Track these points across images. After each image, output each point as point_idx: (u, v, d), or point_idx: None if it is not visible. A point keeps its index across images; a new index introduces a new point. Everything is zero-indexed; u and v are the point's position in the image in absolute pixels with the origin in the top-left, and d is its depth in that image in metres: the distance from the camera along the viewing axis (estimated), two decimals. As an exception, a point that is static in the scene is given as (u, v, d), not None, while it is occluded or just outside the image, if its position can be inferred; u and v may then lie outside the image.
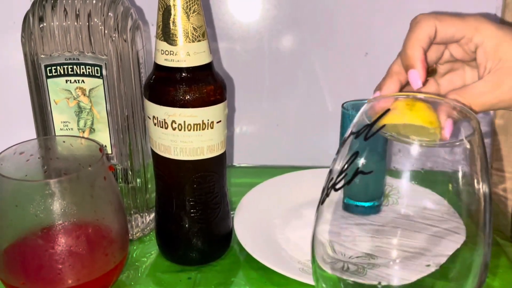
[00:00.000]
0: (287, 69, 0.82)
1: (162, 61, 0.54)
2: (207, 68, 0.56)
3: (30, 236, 0.50)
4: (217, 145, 0.58)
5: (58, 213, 0.49)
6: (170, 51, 0.54)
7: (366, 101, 0.55)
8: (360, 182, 0.59)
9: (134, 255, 0.64)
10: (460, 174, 0.39)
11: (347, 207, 0.60)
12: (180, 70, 0.54)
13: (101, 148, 0.54)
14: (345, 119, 0.63)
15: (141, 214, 0.66)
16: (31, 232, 0.50)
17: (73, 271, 0.50)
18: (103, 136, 0.62)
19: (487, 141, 0.86)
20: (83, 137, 0.58)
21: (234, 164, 0.88)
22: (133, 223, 0.66)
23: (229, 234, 0.64)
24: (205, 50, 0.55)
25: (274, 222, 0.68)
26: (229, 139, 0.86)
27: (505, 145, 0.85)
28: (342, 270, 0.45)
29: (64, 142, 0.57)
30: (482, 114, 0.82)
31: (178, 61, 0.54)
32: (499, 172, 0.85)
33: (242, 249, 0.62)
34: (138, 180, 0.64)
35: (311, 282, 0.56)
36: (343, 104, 0.66)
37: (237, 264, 0.63)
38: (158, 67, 0.55)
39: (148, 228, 0.67)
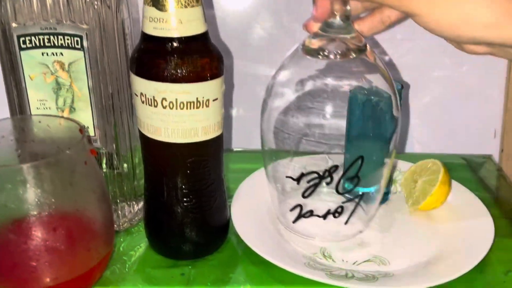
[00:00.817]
0: (291, 41, 0.75)
1: (151, 29, 0.48)
2: (202, 38, 0.49)
3: (0, 230, 0.43)
4: (213, 126, 0.51)
5: (32, 203, 0.43)
6: (160, 18, 0.47)
7: (374, 86, 0.53)
8: (365, 165, 0.55)
9: (121, 248, 0.58)
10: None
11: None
12: (171, 40, 0.48)
13: (82, 129, 0.48)
14: (353, 104, 0.58)
15: (128, 203, 0.60)
16: (1, 225, 0.44)
17: (51, 269, 0.44)
18: (85, 116, 0.55)
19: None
20: (62, 117, 0.51)
21: (231, 148, 0.82)
22: (119, 212, 0.60)
23: (226, 224, 0.58)
24: (200, 18, 0.48)
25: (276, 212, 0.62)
26: (226, 121, 0.79)
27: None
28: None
29: (40, 122, 0.50)
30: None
31: (168, 29, 0.47)
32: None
33: (240, 241, 0.56)
34: (125, 165, 0.58)
35: (319, 278, 0.50)
36: (351, 90, 0.60)
37: (235, 258, 0.57)
38: (146, 37, 0.49)
39: (136, 218, 0.61)
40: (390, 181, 0.66)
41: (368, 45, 0.52)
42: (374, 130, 0.57)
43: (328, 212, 0.55)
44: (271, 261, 0.52)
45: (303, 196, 0.54)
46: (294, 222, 0.56)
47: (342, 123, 0.55)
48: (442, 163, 0.63)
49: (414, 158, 0.69)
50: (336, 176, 0.53)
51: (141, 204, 0.61)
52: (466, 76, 0.78)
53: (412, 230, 0.60)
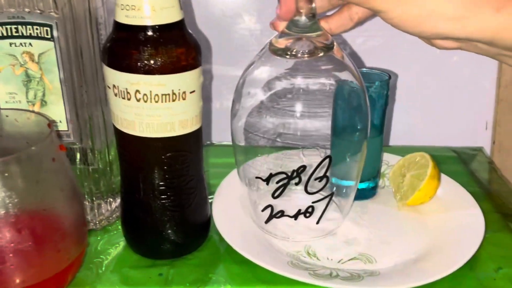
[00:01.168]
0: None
1: (123, 18, 0.45)
2: (177, 27, 0.47)
3: (-38, 231, 0.41)
4: (191, 119, 0.49)
5: (-5, 203, 0.41)
6: (132, 6, 0.44)
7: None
8: (350, 158, 0.53)
9: (98, 247, 0.56)
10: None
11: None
12: (144, 28, 0.45)
13: (50, 123, 0.45)
14: (339, 95, 0.55)
15: (105, 200, 0.58)
16: (-37, 226, 0.41)
17: (17, 272, 0.42)
18: (57, 110, 0.53)
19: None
20: (30, 111, 0.49)
21: (213, 142, 0.79)
22: (96, 210, 0.57)
23: (206, 222, 0.55)
24: (175, 5, 0.46)
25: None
26: (206, 113, 0.77)
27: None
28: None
29: (7, 116, 0.48)
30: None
31: (141, 17, 0.45)
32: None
33: (222, 239, 0.54)
34: (100, 161, 0.56)
35: (302, 278, 0.48)
36: (336, 80, 0.58)
37: (217, 257, 0.54)
38: (118, 26, 0.46)
39: (114, 215, 0.59)
40: (378, 175, 0.64)
41: (335, 43, 0.51)
42: (359, 121, 0.55)
43: (298, 212, 0.53)
44: (253, 261, 0.50)
45: (273, 197, 0.52)
46: (266, 222, 0.54)
47: (314, 122, 0.53)
48: (431, 157, 0.61)
49: (403, 151, 0.67)
50: (305, 177, 0.51)
51: (118, 201, 0.59)
52: (457, 66, 0.76)
53: (400, 226, 0.58)
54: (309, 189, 0.52)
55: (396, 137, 0.79)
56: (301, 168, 0.51)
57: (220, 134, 0.79)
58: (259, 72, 0.51)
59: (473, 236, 0.53)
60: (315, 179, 0.51)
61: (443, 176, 0.62)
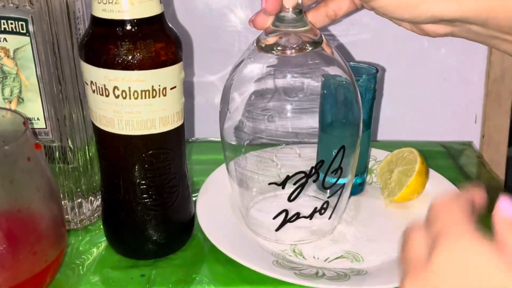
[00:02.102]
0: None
1: (100, 12, 0.44)
2: (157, 21, 0.45)
3: None
4: (172, 116, 0.47)
5: (-33, 205, 0.39)
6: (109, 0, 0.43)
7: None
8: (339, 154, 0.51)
9: (79, 247, 0.54)
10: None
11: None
12: (122, 23, 0.44)
13: (25, 121, 0.43)
14: (326, 89, 0.54)
15: (86, 199, 0.56)
16: None
17: (-9, 275, 0.40)
18: (35, 107, 0.51)
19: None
20: (6, 109, 0.47)
21: (196, 138, 0.78)
22: (77, 210, 0.56)
23: (190, 221, 0.54)
24: (154, -2, 0.44)
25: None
26: (189, 109, 0.75)
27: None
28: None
29: (-19, 114, 0.46)
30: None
31: (119, 11, 0.43)
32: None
33: (206, 238, 0.53)
34: (80, 159, 0.54)
35: (287, 278, 0.47)
36: (323, 75, 0.56)
37: (200, 256, 0.53)
38: (95, 20, 0.45)
39: (95, 215, 0.57)
40: (366, 171, 0.63)
41: (324, 38, 0.49)
42: (345, 115, 0.54)
43: (314, 211, 0.51)
44: (237, 260, 0.49)
45: (290, 200, 0.50)
46: (278, 229, 0.52)
47: (304, 118, 0.52)
48: (419, 152, 0.60)
49: (390, 146, 0.66)
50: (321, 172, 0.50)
51: (100, 200, 0.57)
52: (444, 59, 0.75)
53: (387, 223, 0.57)
54: (325, 184, 0.51)
55: (384, 131, 0.78)
56: (320, 164, 0.49)
57: (204, 130, 0.77)
58: (247, 71, 0.50)
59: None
60: (332, 172, 0.50)
61: (431, 171, 0.62)
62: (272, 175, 0.53)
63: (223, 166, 0.62)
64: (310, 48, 0.48)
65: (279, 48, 0.48)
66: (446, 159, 0.72)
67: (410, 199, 0.59)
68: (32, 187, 0.42)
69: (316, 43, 0.48)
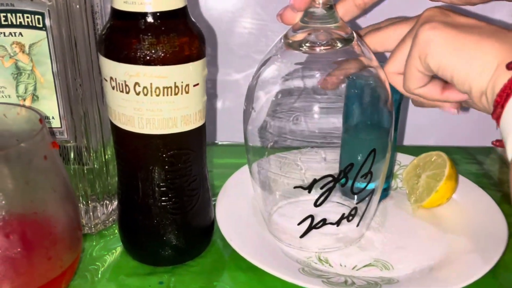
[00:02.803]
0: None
1: (121, 4, 0.42)
2: (180, 14, 0.43)
3: None
4: (194, 115, 0.45)
5: (-20, 206, 0.37)
6: (131, -9, 0.41)
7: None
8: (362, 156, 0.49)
9: (93, 253, 0.52)
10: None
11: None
12: (144, 15, 0.41)
13: (41, 118, 0.41)
14: (350, 91, 0.52)
15: (101, 203, 0.54)
16: None
17: (5, 281, 0.38)
18: (50, 105, 0.49)
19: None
20: (20, 105, 0.45)
21: (216, 141, 0.75)
22: (91, 213, 0.53)
23: (210, 226, 0.52)
24: (177, -10, 0.42)
25: (265, 211, 0.56)
26: (211, 112, 0.73)
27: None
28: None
29: (-5, 111, 0.44)
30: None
31: (141, 3, 0.41)
32: None
33: (226, 244, 0.51)
34: (96, 160, 0.52)
35: (315, 286, 0.44)
36: (349, 75, 0.54)
37: (221, 263, 0.51)
38: (116, 13, 0.43)
39: (110, 219, 0.55)
40: (390, 176, 0.60)
41: (355, 35, 0.47)
42: (373, 118, 0.51)
43: (342, 217, 0.49)
44: (260, 267, 0.46)
45: (316, 205, 0.48)
46: (302, 236, 0.50)
47: (332, 119, 0.50)
48: (448, 156, 0.57)
49: (414, 151, 0.64)
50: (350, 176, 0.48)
51: (115, 203, 0.55)
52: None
53: (415, 229, 0.54)
54: (354, 189, 0.48)
55: (408, 136, 0.76)
56: (349, 167, 0.47)
57: (224, 134, 0.75)
58: (273, 69, 0.47)
59: (496, 241, 0.49)
60: (361, 176, 0.47)
61: (460, 177, 0.59)
62: (297, 178, 0.50)
63: (242, 169, 0.60)
64: (340, 46, 0.46)
65: (307, 44, 0.46)
66: (471, 164, 0.70)
67: (438, 204, 0.56)
68: (48, 187, 0.40)
69: (347, 40, 0.46)
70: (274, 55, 0.47)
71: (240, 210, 0.55)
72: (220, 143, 0.75)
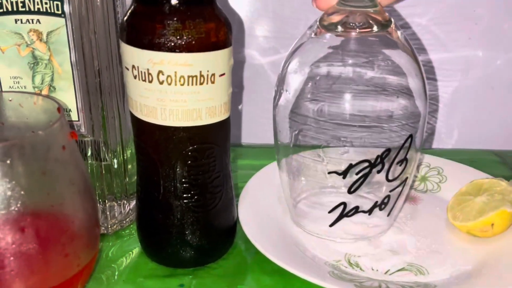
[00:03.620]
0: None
1: (145, -12, 0.40)
2: (207, 0, 0.41)
3: (-46, 230, 0.35)
4: (220, 107, 0.43)
5: (-6, 197, 0.34)
6: (156, -27, 0.39)
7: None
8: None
9: (109, 254, 0.49)
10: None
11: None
12: (169, 0, 0.39)
13: (60, 107, 0.39)
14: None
15: (118, 202, 0.51)
16: (-44, 224, 0.35)
17: (19, 278, 0.36)
18: (67, 97, 0.47)
19: None
20: (37, 94, 0.43)
21: (240, 143, 0.73)
22: (108, 213, 0.51)
23: (233, 226, 0.49)
24: (205, -27, 0.40)
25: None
26: (234, 113, 0.71)
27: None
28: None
29: (10, 100, 0.41)
30: None
31: (167, -14, 0.39)
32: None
33: (248, 246, 0.48)
34: (115, 158, 0.49)
35: (345, 290, 0.42)
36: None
37: (243, 266, 0.48)
38: (139, -3, 0.41)
39: (127, 219, 0.53)
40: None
41: (393, 21, 0.45)
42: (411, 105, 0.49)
43: (374, 205, 0.47)
44: (288, 270, 0.43)
45: (349, 192, 0.45)
46: (332, 225, 0.48)
47: (368, 102, 0.48)
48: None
49: (443, 154, 0.62)
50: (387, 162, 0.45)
51: (133, 203, 0.53)
52: (499, 68, 0.70)
53: (449, 232, 0.51)
54: (390, 176, 0.46)
55: (437, 139, 0.73)
56: (386, 153, 0.44)
57: (244, 135, 0.73)
58: (306, 54, 0.46)
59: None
60: (397, 163, 0.45)
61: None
62: (331, 163, 0.48)
63: (265, 169, 0.58)
64: (376, 30, 0.44)
65: (343, 26, 0.44)
66: (501, 168, 0.67)
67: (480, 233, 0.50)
68: (66, 180, 0.38)
69: (383, 25, 0.44)
70: (308, 38, 0.46)
71: (264, 210, 0.52)
72: (244, 143, 0.73)
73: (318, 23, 0.46)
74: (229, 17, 0.43)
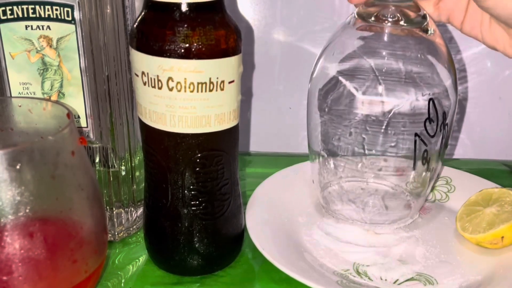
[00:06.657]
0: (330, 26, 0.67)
1: (156, -6, 0.40)
2: (217, 6, 0.41)
3: (-37, 235, 0.35)
4: (228, 114, 0.43)
5: (3, 202, 0.34)
6: (167, -20, 0.39)
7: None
8: None
9: (116, 261, 0.49)
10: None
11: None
12: (179, 6, 0.39)
13: (69, 113, 0.39)
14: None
15: (125, 209, 0.51)
16: (-36, 229, 0.35)
17: (27, 284, 0.35)
18: (76, 103, 0.47)
19: None
20: (47, 100, 0.43)
21: (248, 151, 0.73)
22: (115, 220, 0.51)
23: (241, 234, 0.49)
24: (215, -20, 0.40)
25: (298, 220, 0.53)
26: (243, 120, 0.71)
27: None
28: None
29: (20, 106, 0.41)
30: None
31: (177, -7, 0.39)
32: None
33: (256, 254, 0.48)
34: (123, 165, 0.49)
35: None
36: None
37: (251, 274, 0.48)
38: (149, 4, 0.41)
39: (134, 226, 0.52)
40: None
41: (429, 17, 0.47)
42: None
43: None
44: (296, 279, 0.43)
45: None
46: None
47: (398, 98, 0.48)
48: None
49: (450, 164, 0.61)
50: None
51: (140, 210, 0.52)
52: (508, 80, 0.70)
53: (458, 242, 0.51)
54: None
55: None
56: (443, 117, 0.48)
57: (252, 144, 0.73)
58: (340, 45, 0.48)
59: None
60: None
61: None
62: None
63: (272, 177, 0.58)
64: (409, 25, 0.46)
65: (376, 17, 0.46)
66: (510, 178, 0.66)
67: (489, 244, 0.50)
68: (75, 185, 0.38)
69: (417, 22, 0.46)
70: (342, 30, 0.48)
71: (272, 218, 0.52)
72: (252, 151, 0.73)
73: (353, 13, 0.48)
74: (238, 24, 0.43)
